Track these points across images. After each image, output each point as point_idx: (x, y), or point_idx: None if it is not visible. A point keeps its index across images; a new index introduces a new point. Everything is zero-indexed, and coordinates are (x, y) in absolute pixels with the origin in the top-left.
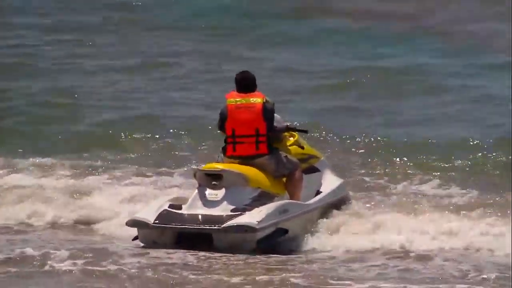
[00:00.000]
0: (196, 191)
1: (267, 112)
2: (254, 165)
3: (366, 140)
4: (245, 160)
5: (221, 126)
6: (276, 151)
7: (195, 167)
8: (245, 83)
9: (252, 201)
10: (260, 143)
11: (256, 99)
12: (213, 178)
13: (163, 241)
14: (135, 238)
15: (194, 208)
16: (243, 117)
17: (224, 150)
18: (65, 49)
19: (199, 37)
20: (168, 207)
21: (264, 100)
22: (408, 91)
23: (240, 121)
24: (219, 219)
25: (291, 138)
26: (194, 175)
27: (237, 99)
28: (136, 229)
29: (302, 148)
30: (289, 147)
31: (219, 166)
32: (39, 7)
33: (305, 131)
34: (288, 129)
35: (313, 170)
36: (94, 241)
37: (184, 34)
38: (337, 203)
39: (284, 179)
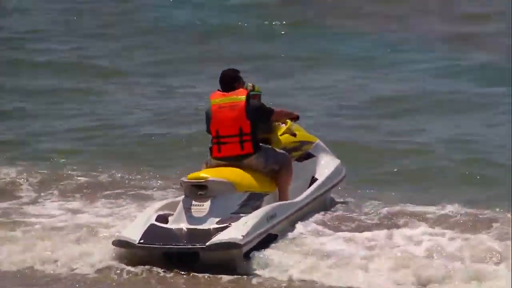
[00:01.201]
0: (182, 203)
1: (251, 109)
2: (242, 166)
3: None
4: (231, 161)
5: (207, 127)
6: (264, 148)
7: (182, 178)
8: (226, 81)
9: (240, 207)
10: (245, 142)
11: (238, 97)
12: (198, 188)
13: (150, 258)
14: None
15: (180, 221)
16: (225, 116)
17: (210, 151)
18: None
19: None
20: (156, 219)
21: (248, 96)
22: None
23: (223, 121)
24: (205, 234)
25: (283, 125)
26: (181, 185)
27: (220, 99)
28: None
29: (295, 135)
30: (281, 136)
31: (204, 175)
32: None
33: (296, 118)
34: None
35: (307, 156)
36: None
37: None
38: (332, 188)
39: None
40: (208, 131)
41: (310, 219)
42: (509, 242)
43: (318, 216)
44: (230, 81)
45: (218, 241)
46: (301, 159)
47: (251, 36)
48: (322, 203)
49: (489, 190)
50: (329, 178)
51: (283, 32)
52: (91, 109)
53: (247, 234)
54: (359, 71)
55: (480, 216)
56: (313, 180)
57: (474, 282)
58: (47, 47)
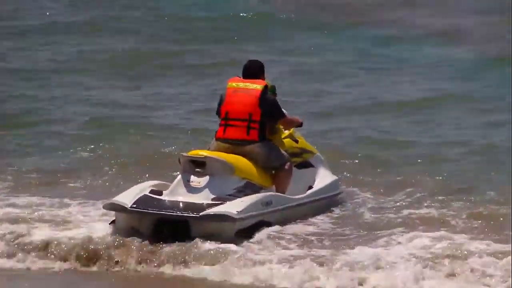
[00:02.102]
0: (179, 177)
1: (265, 99)
2: (244, 152)
3: None
4: (235, 145)
5: (218, 109)
6: (269, 142)
7: (181, 153)
8: (251, 70)
9: (237, 191)
10: (251, 129)
11: (256, 85)
12: (197, 165)
13: (140, 227)
14: (112, 222)
15: (175, 194)
16: (238, 100)
17: (215, 134)
18: None
19: None
20: (150, 192)
21: (266, 88)
22: None
23: (234, 104)
24: (198, 207)
25: (286, 131)
26: (179, 161)
27: (238, 83)
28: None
29: (296, 141)
30: (283, 140)
31: (204, 153)
32: None
33: (300, 125)
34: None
35: (306, 165)
36: None
37: None
38: (329, 200)
39: (273, 172)
40: (218, 112)
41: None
42: None
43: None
44: (254, 70)
45: (212, 212)
46: (300, 166)
47: None
48: (316, 210)
49: None
50: (326, 188)
51: None
52: None
53: (242, 210)
54: None
55: None
56: (309, 189)
57: None
58: None
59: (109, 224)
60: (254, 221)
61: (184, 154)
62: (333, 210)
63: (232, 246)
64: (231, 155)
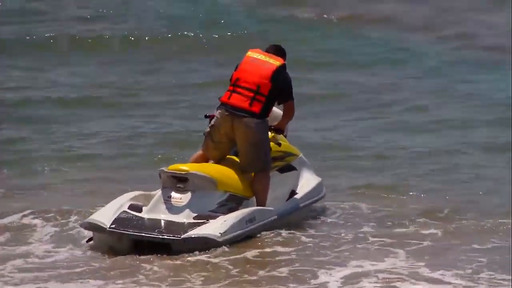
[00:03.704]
0: (159, 193)
1: (279, 75)
2: (240, 124)
3: None
4: (234, 114)
5: (232, 76)
6: (267, 128)
7: (161, 168)
8: (275, 48)
9: (219, 206)
10: (256, 100)
11: (275, 61)
12: (178, 181)
13: (119, 246)
14: (89, 239)
15: (155, 212)
16: (251, 69)
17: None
18: None
19: None
20: (129, 207)
21: (284, 66)
22: None
23: (246, 72)
24: (179, 227)
25: (269, 133)
26: (159, 175)
27: (257, 54)
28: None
29: (279, 145)
30: None
31: (185, 167)
32: None
33: (281, 132)
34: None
35: (289, 168)
36: None
37: None
38: (311, 204)
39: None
40: (231, 78)
41: None
42: None
43: None
44: (278, 48)
45: (194, 235)
46: (282, 170)
47: None
48: (298, 216)
49: None
50: (309, 193)
51: None
52: None
53: (225, 232)
54: None
55: None
56: (292, 193)
57: None
58: None
59: (86, 241)
60: (237, 238)
61: (165, 169)
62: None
63: None
64: (212, 165)
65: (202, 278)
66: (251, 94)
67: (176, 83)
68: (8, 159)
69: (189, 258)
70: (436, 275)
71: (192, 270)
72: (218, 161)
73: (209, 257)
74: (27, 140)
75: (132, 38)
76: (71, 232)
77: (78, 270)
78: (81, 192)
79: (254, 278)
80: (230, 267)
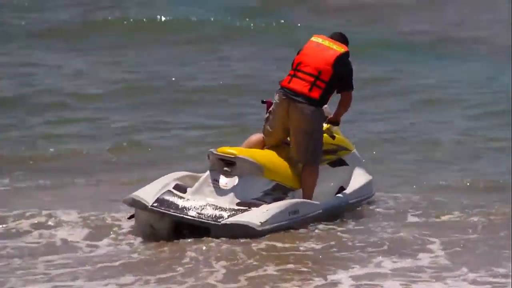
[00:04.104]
0: (206, 174)
1: (342, 62)
2: (295, 109)
3: None
4: (293, 97)
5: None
6: (322, 117)
7: (211, 150)
8: (340, 35)
9: (264, 194)
10: (316, 86)
11: (339, 48)
12: (226, 164)
13: (159, 226)
14: (131, 216)
15: (199, 194)
16: (314, 54)
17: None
18: None
19: None
20: (174, 187)
21: (347, 54)
22: None
23: (309, 56)
24: (221, 212)
25: (324, 125)
26: (208, 157)
27: (322, 40)
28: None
29: (333, 138)
30: None
31: (234, 151)
32: None
33: (337, 123)
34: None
35: (340, 163)
36: None
37: None
38: (359, 203)
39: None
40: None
41: None
42: None
43: None
44: (343, 36)
45: (234, 221)
46: (334, 164)
47: None
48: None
49: None
50: (358, 191)
51: None
52: None
53: (266, 221)
54: None
55: None
56: (341, 189)
57: None
58: None
59: (127, 218)
60: (278, 229)
61: (214, 151)
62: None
63: None
64: (263, 152)
65: (223, 270)
66: (312, 79)
67: None
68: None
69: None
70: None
71: (216, 258)
72: (272, 148)
73: (235, 245)
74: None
75: None
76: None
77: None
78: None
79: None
80: (244, 257)
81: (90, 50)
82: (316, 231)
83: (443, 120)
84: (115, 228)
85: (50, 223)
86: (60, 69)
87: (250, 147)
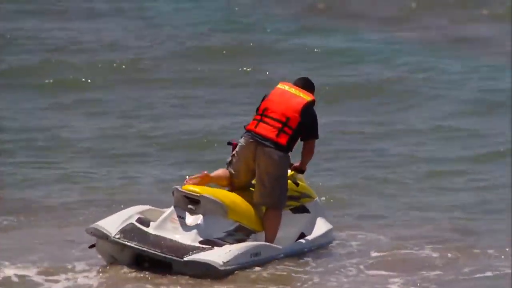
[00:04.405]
0: (169, 210)
1: (309, 111)
2: (262, 153)
3: None
4: (258, 142)
5: (258, 106)
6: (287, 164)
7: (176, 186)
8: (305, 82)
9: (227, 235)
10: (283, 132)
11: (306, 96)
12: (190, 202)
13: (120, 257)
14: (92, 246)
15: (162, 229)
16: (282, 100)
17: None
18: None
19: None
20: (137, 220)
21: (313, 102)
22: None
23: (276, 103)
24: (183, 249)
25: (288, 171)
26: (173, 193)
27: (288, 87)
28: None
29: (297, 185)
30: None
31: (199, 190)
32: None
33: (302, 172)
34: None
35: (303, 210)
36: None
37: None
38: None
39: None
40: (258, 109)
41: None
42: None
43: None
44: (308, 83)
45: (197, 259)
46: (296, 210)
47: None
48: None
49: None
50: (318, 239)
51: None
52: None
53: (228, 262)
54: None
55: None
56: (302, 235)
57: None
58: None
59: (89, 247)
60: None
61: (179, 188)
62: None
63: None
64: (227, 193)
65: None
66: (279, 125)
67: None
68: None
69: None
70: None
71: None
72: (235, 190)
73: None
74: None
75: None
76: None
77: None
78: None
79: None
80: None
81: None
82: (269, 272)
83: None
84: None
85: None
86: None
87: (219, 177)
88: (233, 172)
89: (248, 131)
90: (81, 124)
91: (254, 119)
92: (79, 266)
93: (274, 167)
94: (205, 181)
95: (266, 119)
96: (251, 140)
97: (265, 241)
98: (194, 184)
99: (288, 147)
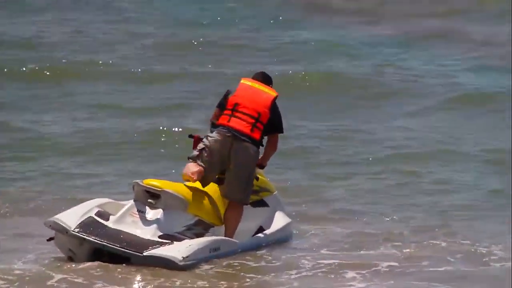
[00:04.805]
0: (129, 204)
1: (275, 108)
2: (240, 147)
3: None
4: (237, 136)
5: (221, 101)
6: (256, 157)
7: (136, 180)
8: (265, 77)
9: (186, 229)
10: (256, 128)
11: (271, 92)
12: (150, 196)
13: (78, 251)
14: (50, 239)
15: (121, 223)
16: (252, 96)
17: (216, 118)
18: None
19: None
20: (96, 213)
21: (276, 98)
22: None
23: (247, 99)
24: (142, 243)
25: None
26: (133, 187)
27: (253, 83)
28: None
29: (257, 179)
30: None
31: (160, 184)
32: None
33: (262, 167)
34: None
35: (261, 204)
36: None
37: None
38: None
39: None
40: (221, 104)
41: None
42: None
43: None
44: (267, 78)
45: (157, 254)
46: (255, 204)
47: None
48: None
49: None
50: (276, 233)
51: None
52: None
53: (187, 257)
54: None
55: None
56: (260, 229)
57: None
58: None
59: (47, 240)
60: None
61: (140, 182)
62: None
63: None
64: (188, 187)
65: None
66: (252, 121)
67: None
68: None
69: None
70: None
71: None
72: (201, 184)
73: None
74: None
75: None
76: None
77: None
78: None
79: None
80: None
81: None
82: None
83: None
84: None
85: None
86: None
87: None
88: (204, 166)
89: (221, 125)
90: (52, 119)
91: (224, 114)
92: (33, 257)
93: (250, 162)
94: (201, 174)
95: (238, 114)
96: (228, 135)
97: (225, 235)
98: (198, 177)
99: (260, 142)
